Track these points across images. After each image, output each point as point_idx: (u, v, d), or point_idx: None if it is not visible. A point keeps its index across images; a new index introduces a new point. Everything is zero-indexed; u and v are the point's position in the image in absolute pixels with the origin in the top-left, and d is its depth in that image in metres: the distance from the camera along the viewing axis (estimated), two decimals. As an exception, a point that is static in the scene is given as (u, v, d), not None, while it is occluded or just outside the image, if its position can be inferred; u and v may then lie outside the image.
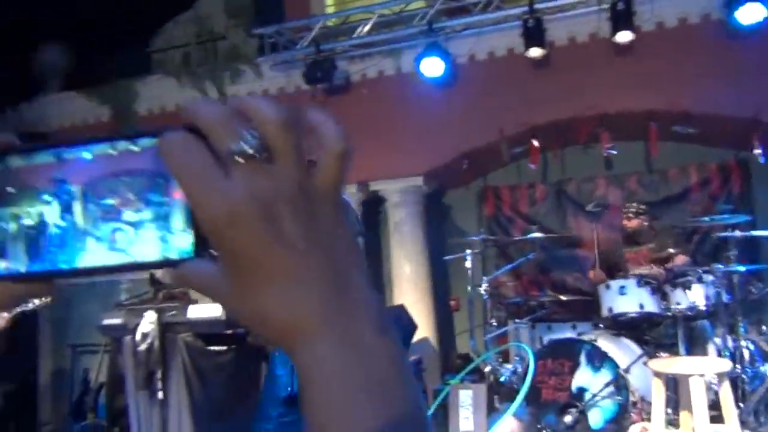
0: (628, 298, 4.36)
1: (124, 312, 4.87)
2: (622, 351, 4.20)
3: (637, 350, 4.26)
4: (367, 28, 5.67)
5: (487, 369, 4.88)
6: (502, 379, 4.72)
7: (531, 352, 4.15)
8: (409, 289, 6.02)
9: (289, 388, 3.42)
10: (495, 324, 5.11)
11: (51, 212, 0.45)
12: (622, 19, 5.00)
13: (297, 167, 0.39)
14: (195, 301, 6.18)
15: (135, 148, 0.43)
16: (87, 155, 0.45)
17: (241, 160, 0.38)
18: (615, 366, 4.00)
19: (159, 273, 6.23)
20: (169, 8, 7.43)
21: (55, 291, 0.47)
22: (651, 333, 4.60)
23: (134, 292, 6.72)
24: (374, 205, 6.71)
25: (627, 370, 3.98)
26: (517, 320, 4.82)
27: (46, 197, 0.46)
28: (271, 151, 0.39)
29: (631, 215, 4.91)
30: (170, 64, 7.35)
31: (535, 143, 5.75)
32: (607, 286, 4.48)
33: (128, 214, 0.43)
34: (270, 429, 3.50)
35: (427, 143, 5.89)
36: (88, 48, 7.32)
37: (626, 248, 5.00)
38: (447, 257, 5.60)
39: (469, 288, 5.22)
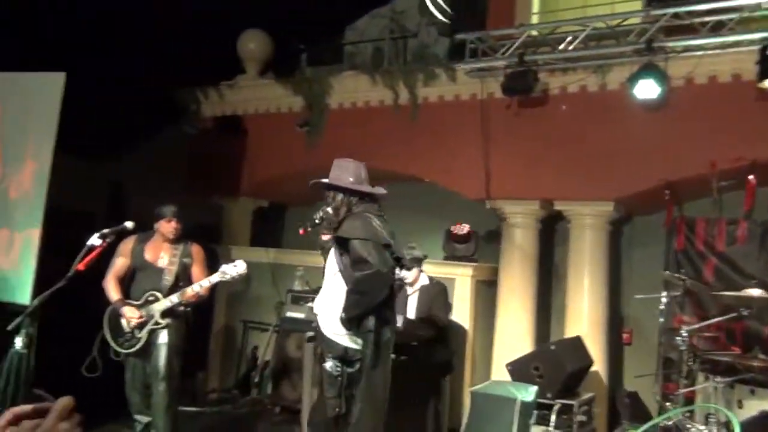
0: None
1: (307, 308, 4.99)
2: None
3: None
4: (576, 42, 5.35)
5: (669, 423, 4.51)
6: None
7: (736, 421, 3.74)
8: (583, 317, 5.70)
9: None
10: (684, 376, 4.69)
11: None
12: None
13: None
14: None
15: None
16: None
17: None
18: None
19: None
20: (367, 2, 7.52)
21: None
22: None
23: (306, 279, 6.92)
24: (554, 223, 6.43)
25: None
26: (717, 378, 4.38)
27: None
28: None
29: None
30: (360, 58, 7.45)
31: (752, 180, 5.19)
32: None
33: None
34: None
35: (625, 167, 5.51)
36: (286, 36, 7.59)
37: None
38: (639, 296, 5.21)
39: (656, 331, 4.85)
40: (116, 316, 4.50)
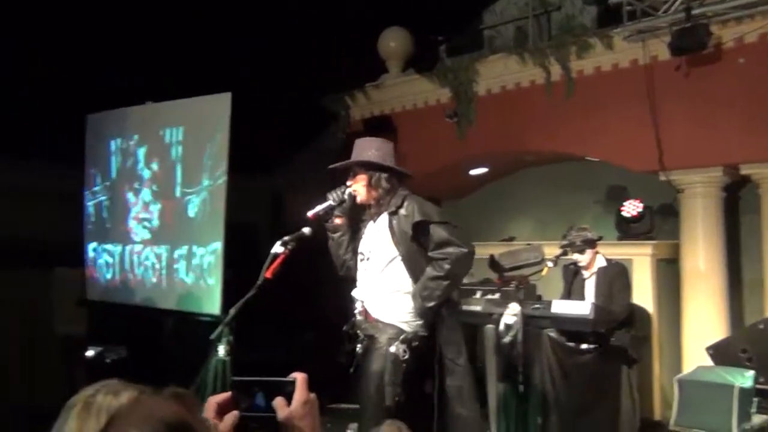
0: None
1: (483, 300, 4.88)
2: None
3: None
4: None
5: None
6: None
7: None
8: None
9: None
10: None
11: None
12: None
13: None
14: (534, 287, 6.05)
15: None
16: None
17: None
18: None
19: (497, 255, 6.19)
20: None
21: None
22: None
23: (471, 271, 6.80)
24: (738, 190, 5.85)
25: None
26: None
27: None
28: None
29: None
30: (500, 41, 7.22)
31: None
32: None
33: None
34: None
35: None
36: (424, 30, 7.54)
37: None
38: None
39: None
40: None
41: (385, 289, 3.34)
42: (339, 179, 3.60)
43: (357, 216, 3.60)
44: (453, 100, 6.84)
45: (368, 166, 3.43)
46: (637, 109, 5.61)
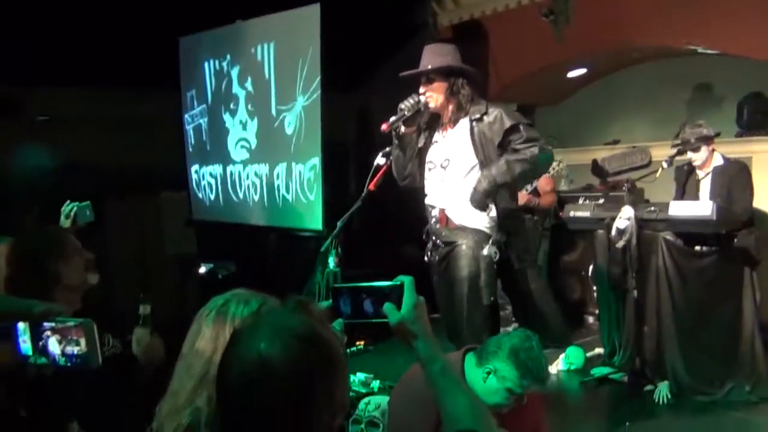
0: None
1: (592, 206, 4.70)
2: None
3: None
4: None
5: None
6: None
7: None
8: None
9: None
10: None
11: None
12: None
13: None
14: (641, 191, 5.78)
15: None
16: None
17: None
18: None
19: (601, 159, 5.92)
20: None
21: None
22: None
23: (570, 177, 6.59)
24: None
25: None
26: None
27: None
28: None
29: None
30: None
31: None
32: None
33: None
34: None
35: None
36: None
37: None
38: None
39: None
40: None
41: (466, 195, 3.32)
42: (415, 88, 3.48)
43: (427, 125, 3.52)
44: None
45: (447, 72, 3.34)
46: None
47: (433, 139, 3.50)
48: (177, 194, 6.99)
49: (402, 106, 3.34)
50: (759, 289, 4.57)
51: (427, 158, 3.50)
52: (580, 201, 5.68)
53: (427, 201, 3.50)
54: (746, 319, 4.32)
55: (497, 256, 3.26)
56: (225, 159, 6.46)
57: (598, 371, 4.60)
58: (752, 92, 5.52)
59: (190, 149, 6.93)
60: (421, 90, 3.39)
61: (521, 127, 3.28)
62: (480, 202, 3.26)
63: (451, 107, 3.37)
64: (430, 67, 3.37)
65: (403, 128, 3.39)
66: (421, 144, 3.54)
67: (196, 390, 1.31)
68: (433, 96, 3.37)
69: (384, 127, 3.34)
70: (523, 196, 5.40)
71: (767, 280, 5.24)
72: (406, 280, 1.24)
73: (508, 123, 3.26)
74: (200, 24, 6.31)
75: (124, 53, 5.77)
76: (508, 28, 6.85)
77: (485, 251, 3.25)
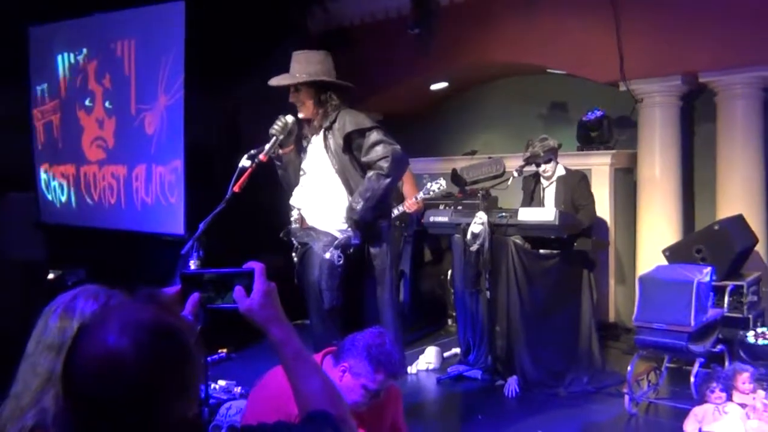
0: None
1: (450, 211, 4.94)
2: None
3: None
4: None
5: None
6: None
7: None
8: (738, 195, 5.33)
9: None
10: None
11: None
12: None
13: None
14: (495, 198, 6.14)
15: None
16: None
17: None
18: None
19: (459, 169, 6.21)
20: None
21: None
22: None
23: (433, 184, 6.84)
24: (693, 100, 5.97)
25: None
26: None
27: None
28: None
29: None
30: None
31: None
32: None
33: None
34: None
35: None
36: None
37: None
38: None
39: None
40: None
41: (320, 198, 3.42)
42: (283, 92, 3.51)
43: (304, 135, 3.56)
44: (415, 11, 6.65)
45: (316, 83, 3.39)
46: (599, 18, 5.61)
47: (306, 148, 3.56)
48: (24, 195, 6.50)
49: (272, 131, 3.33)
50: (596, 290, 5.05)
51: (302, 166, 3.56)
52: (441, 207, 5.94)
53: (290, 200, 3.58)
54: (584, 317, 4.74)
55: (341, 260, 3.29)
56: (79, 159, 6.10)
57: (454, 369, 4.83)
58: (590, 110, 6.05)
59: (39, 147, 6.47)
60: (290, 99, 3.45)
61: (366, 132, 3.34)
62: (357, 222, 3.34)
63: (319, 115, 3.44)
64: (297, 76, 3.41)
65: (280, 150, 3.41)
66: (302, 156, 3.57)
67: (42, 389, 1.27)
68: (303, 104, 3.43)
69: (261, 157, 3.23)
70: (412, 204, 5.56)
71: (603, 281, 5.80)
72: (257, 267, 1.25)
73: (349, 128, 3.34)
74: (53, 13, 5.92)
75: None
76: (376, 39, 7.04)
77: (327, 255, 3.29)
